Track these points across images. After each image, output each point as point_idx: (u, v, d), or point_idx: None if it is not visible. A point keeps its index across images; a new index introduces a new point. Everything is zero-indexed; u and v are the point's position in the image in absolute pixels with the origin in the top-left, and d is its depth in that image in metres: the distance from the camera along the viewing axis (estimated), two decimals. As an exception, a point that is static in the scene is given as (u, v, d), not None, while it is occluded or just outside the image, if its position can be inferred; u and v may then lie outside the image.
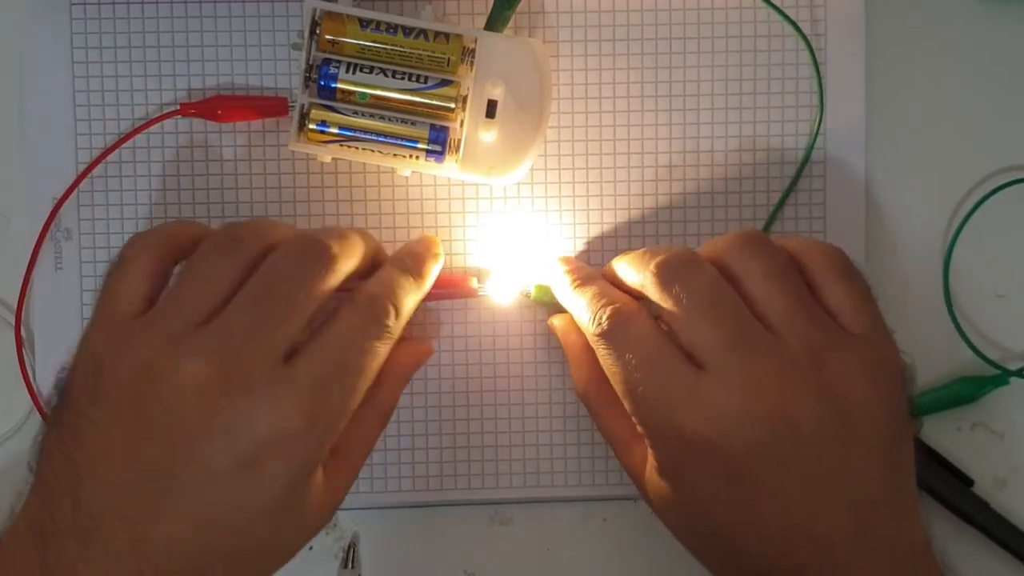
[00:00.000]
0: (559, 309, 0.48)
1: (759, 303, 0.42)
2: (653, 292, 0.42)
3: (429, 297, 0.46)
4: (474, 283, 0.48)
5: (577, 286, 0.46)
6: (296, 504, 0.41)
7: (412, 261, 0.46)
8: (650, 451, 0.43)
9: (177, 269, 0.43)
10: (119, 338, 0.40)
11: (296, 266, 0.41)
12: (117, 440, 0.39)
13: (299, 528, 0.42)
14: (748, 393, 0.40)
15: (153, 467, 0.39)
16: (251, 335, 0.39)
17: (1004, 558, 0.50)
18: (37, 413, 0.50)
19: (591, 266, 0.48)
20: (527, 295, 0.48)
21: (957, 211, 0.51)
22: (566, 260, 0.48)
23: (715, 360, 0.41)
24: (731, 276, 0.42)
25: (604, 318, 0.43)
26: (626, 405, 0.43)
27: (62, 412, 0.40)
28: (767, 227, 0.50)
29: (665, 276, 0.42)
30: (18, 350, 0.49)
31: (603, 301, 0.44)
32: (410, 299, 0.44)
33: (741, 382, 0.40)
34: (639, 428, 0.43)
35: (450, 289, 0.48)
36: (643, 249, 0.44)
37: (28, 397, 0.49)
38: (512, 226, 0.50)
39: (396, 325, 0.43)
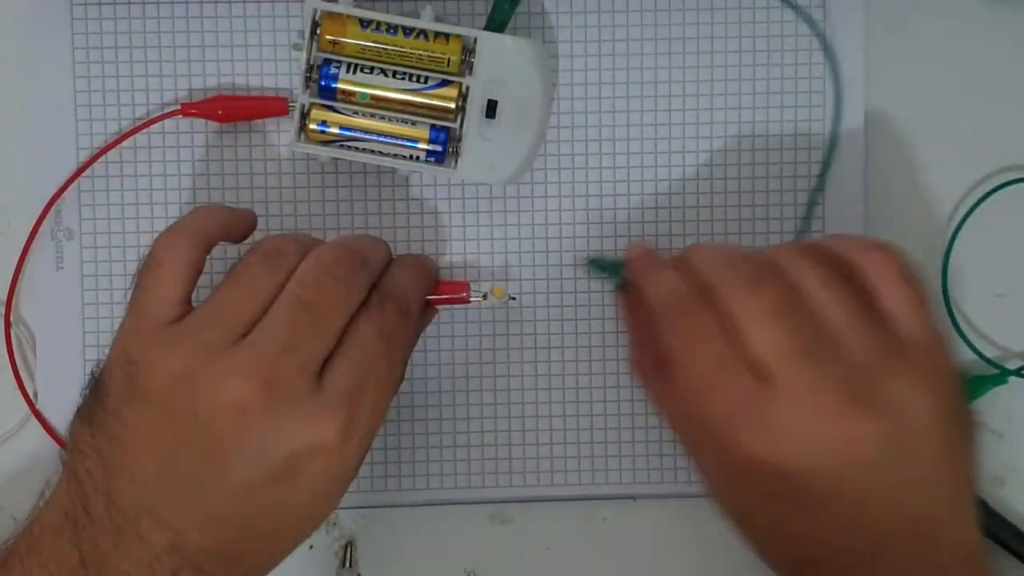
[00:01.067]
0: (613, 278, 0.48)
1: (820, 313, 0.41)
2: (727, 293, 0.41)
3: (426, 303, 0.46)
4: (472, 287, 0.47)
5: (655, 266, 0.45)
6: (332, 502, 0.42)
7: (414, 257, 0.46)
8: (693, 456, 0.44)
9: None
10: (155, 344, 0.40)
11: (329, 279, 0.41)
12: (151, 445, 0.39)
13: (327, 515, 0.44)
14: (812, 415, 0.39)
15: (187, 476, 0.39)
16: (288, 351, 0.39)
17: (1004, 558, 0.50)
18: (34, 414, 0.50)
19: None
20: (584, 266, 0.49)
21: (957, 211, 0.51)
22: (640, 244, 0.49)
23: (782, 370, 0.40)
24: None
25: (674, 305, 0.43)
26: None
27: (96, 410, 0.40)
28: (803, 229, 0.50)
29: (740, 279, 0.41)
30: (8, 346, 0.50)
31: (678, 289, 0.43)
32: (419, 291, 0.45)
33: (806, 400, 0.39)
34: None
35: (445, 296, 0.47)
36: (721, 244, 0.45)
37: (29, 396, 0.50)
38: (512, 226, 0.50)
39: (412, 318, 0.43)
